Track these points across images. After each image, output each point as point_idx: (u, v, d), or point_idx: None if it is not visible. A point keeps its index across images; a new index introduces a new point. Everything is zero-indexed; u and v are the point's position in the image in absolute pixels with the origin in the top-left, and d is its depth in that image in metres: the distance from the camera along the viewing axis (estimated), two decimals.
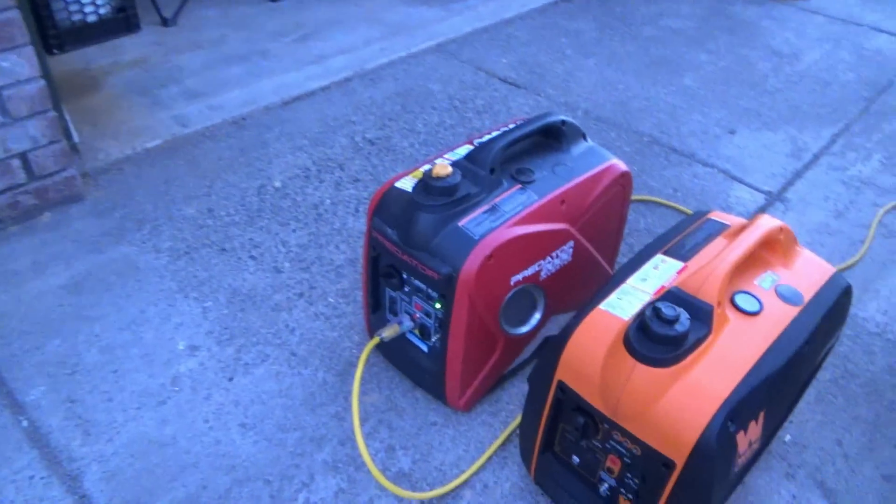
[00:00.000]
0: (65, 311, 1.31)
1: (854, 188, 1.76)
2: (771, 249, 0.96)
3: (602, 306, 0.87)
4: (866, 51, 2.46)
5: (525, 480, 1.07)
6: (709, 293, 0.84)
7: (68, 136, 1.62)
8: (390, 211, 1.05)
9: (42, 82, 1.41)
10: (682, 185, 1.73)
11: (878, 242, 1.59)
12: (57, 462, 1.07)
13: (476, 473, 1.07)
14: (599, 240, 1.20)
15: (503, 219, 1.01)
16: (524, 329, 1.14)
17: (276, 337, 1.28)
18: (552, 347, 0.88)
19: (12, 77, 1.37)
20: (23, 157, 1.45)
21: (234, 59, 2.17)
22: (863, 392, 1.23)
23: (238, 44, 2.27)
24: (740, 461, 0.85)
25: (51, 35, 2.08)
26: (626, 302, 0.87)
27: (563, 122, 1.15)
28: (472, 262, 0.96)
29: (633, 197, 1.55)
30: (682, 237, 0.97)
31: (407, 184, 1.07)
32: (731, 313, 0.86)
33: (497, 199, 1.03)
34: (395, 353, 1.20)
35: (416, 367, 1.16)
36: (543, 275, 1.09)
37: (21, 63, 1.37)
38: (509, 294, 1.05)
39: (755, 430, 0.85)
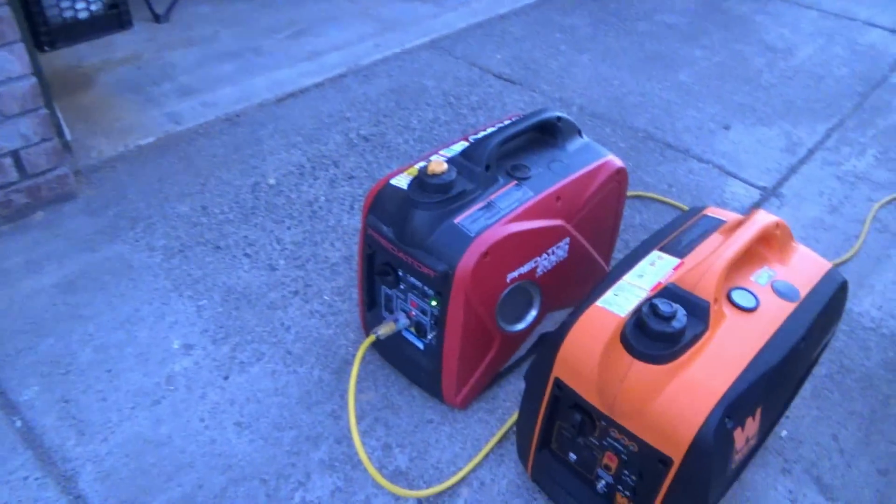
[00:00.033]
0: (58, 311, 1.30)
1: (848, 183, 1.76)
2: (767, 245, 0.96)
3: (599, 303, 0.87)
4: (860, 46, 2.46)
5: (522, 478, 1.06)
6: (705, 289, 0.84)
7: (60, 133, 1.61)
8: (385, 208, 1.05)
9: (33, 80, 1.40)
10: (678, 181, 1.73)
11: (872, 237, 1.59)
12: (51, 462, 1.06)
13: (473, 471, 1.07)
14: (595, 236, 1.19)
15: (499, 216, 1.00)
16: (520, 326, 1.14)
17: (272, 335, 1.27)
18: (549, 344, 0.88)
19: (3, 75, 1.35)
20: (15, 155, 1.44)
21: (227, 55, 2.16)
22: (858, 387, 1.24)
23: (231, 40, 2.26)
24: (737, 457, 0.85)
25: (42, 32, 2.06)
26: (622, 299, 0.87)
27: (559, 118, 1.14)
28: (468, 260, 0.96)
29: (629, 193, 1.55)
30: (679, 233, 0.97)
31: (402, 181, 1.06)
32: (727, 310, 0.86)
33: (493, 196, 1.03)
34: (391, 351, 1.20)
35: (413, 364, 1.15)
36: (539, 271, 1.09)
37: (12, 60, 1.36)
38: (505, 291, 1.05)
39: (752, 426, 0.85)
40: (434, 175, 1.00)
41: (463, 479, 1.06)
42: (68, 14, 2.11)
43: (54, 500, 1.01)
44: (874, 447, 1.14)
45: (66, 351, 1.22)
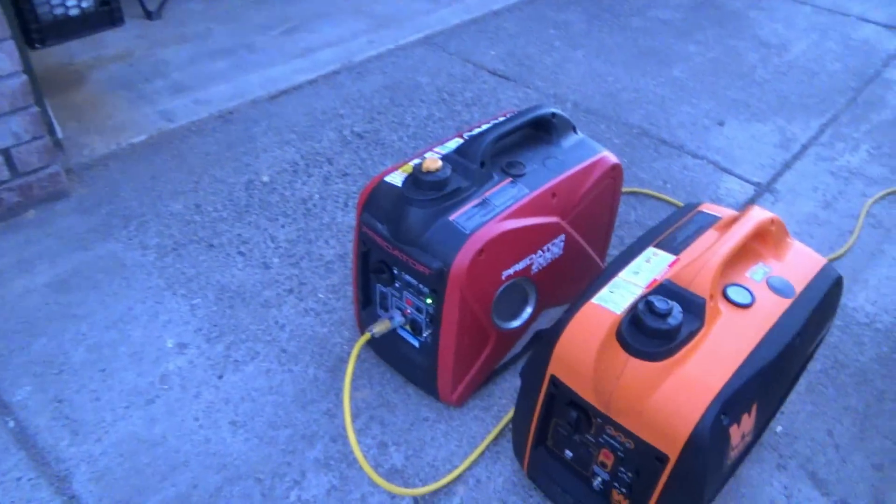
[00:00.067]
0: (51, 310, 1.29)
1: (842, 178, 1.77)
2: (762, 241, 0.96)
3: (594, 300, 0.87)
4: (853, 41, 2.46)
5: (518, 475, 1.06)
6: (701, 286, 0.84)
7: (52, 131, 1.60)
8: (380, 205, 1.05)
9: (24, 77, 1.39)
10: (672, 177, 1.73)
11: (866, 232, 1.59)
12: (45, 463, 1.05)
13: (469, 468, 1.07)
14: (590, 233, 1.19)
15: (494, 213, 1.00)
16: (516, 323, 1.13)
17: (266, 333, 1.26)
18: (544, 342, 0.88)
19: None
20: (6, 153, 1.43)
21: (220, 52, 2.15)
22: (853, 382, 1.24)
23: (224, 37, 2.24)
24: (733, 454, 0.85)
25: (33, 29, 2.04)
26: (618, 295, 0.87)
27: (554, 114, 1.14)
28: (463, 257, 0.96)
29: (624, 189, 1.55)
30: (674, 230, 0.97)
31: (396, 178, 1.06)
32: (723, 306, 0.86)
33: (488, 193, 1.03)
34: (386, 349, 1.19)
35: (408, 362, 1.15)
36: (535, 269, 1.08)
37: (2, 58, 1.35)
38: (501, 288, 1.04)
39: (748, 422, 0.85)
40: (429, 172, 1.00)
41: (459, 477, 1.06)
42: (59, 11, 2.09)
43: (48, 501, 1.00)
44: (869, 442, 1.14)
45: (59, 350, 1.22)
